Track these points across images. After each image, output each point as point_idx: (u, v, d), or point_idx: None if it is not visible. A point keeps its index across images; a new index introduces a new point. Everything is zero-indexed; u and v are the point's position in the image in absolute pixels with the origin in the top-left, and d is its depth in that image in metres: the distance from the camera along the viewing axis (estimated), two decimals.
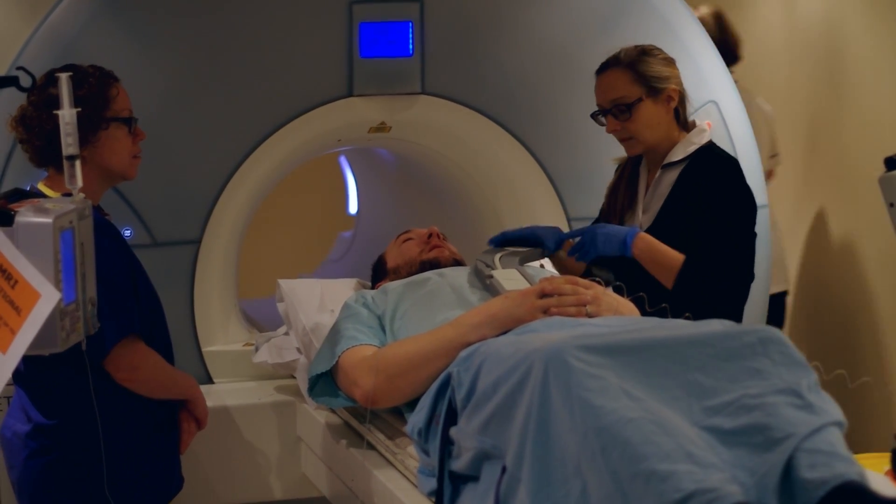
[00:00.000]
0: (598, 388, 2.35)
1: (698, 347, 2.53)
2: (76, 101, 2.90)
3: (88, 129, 3.34)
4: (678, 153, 3.76)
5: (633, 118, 3.76)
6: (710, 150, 3.78)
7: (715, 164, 3.75)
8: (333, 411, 3.79)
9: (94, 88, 3.39)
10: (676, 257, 3.63)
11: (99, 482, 3.31)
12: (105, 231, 3.32)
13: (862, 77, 6.23)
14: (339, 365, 3.31)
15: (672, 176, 3.76)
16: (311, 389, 3.46)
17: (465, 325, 3.09)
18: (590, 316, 3.04)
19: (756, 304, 4.70)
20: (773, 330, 2.57)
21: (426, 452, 2.95)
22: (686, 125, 3.83)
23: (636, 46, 3.83)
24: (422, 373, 3.10)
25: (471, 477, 2.71)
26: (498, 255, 3.58)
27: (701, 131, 3.79)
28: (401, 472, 3.21)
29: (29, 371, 3.31)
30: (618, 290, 3.28)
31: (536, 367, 2.44)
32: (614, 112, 3.78)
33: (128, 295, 3.37)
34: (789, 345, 2.54)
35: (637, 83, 3.75)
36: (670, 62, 3.81)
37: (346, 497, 3.53)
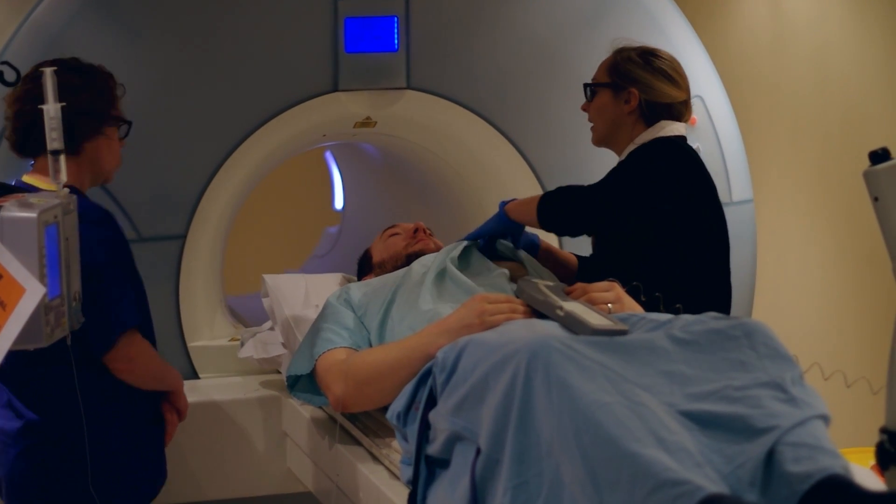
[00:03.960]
0: (577, 369, 2.36)
1: (683, 341, 2.54)
2: (88, 92, 2.93)
3: (97, 122, 3.34)
4: (624, 154, 3.76)
5: (592, 101, 3.83)
6: (650, 142, 3.72)
7: (639, 150, 3.71)
8: (319, 406, 3.79)
9: (102, 84, 3.39)
10: (537, 197, 3.71)
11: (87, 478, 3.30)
12: (108, 223, 3.34)
13: (846, 72, 6.25)
14: (316, 368, 3.33)
15: None
16: (291, 387, 3.47)
17: (427, 335, 3.10)
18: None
19: (741, 301, 4.71)
20: (759, 323, 2.58)
21: (405, 438, 2.96)
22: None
23: (650, 48, 3.83)
24: (387, 381, 3.12)
25: (446, 461, 2.72)
26: (541, 281, 3.31)
27: (658, 128, 3.73)
28: (386, 467, 3.22)
29: (14, 367, 3.29)
30: (634, 291, 3.28)
31: (519, 351, 2.44)
32: (585, 90, 3.86)
33: (131, 286, 3.38)
34: (774, 337, 2.54)
35: (608, 72, 3.79)
36: (658, 72, 3.75)
37: (332, 492, 3.53)
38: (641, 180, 3.61)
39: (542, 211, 3.65)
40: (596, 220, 3.67)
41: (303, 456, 3.91)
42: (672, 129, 3.73)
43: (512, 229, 3.78)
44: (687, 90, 3.80)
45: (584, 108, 3.87)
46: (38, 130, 3.27)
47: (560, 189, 3.70)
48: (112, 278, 3.28)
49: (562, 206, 3.66)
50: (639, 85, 3.73)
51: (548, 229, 3.74)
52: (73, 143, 3.29)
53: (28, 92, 3.33)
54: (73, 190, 3.28)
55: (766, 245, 5.74)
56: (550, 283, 3.19)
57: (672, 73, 3.78)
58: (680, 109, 3.78)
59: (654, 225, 3.60)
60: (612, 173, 3.69)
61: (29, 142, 3.37)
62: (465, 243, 3.65)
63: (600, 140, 3.86)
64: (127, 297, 3.34)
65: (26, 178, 3.37)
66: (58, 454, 3.32)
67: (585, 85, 3.85)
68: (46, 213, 2.47)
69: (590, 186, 3.67)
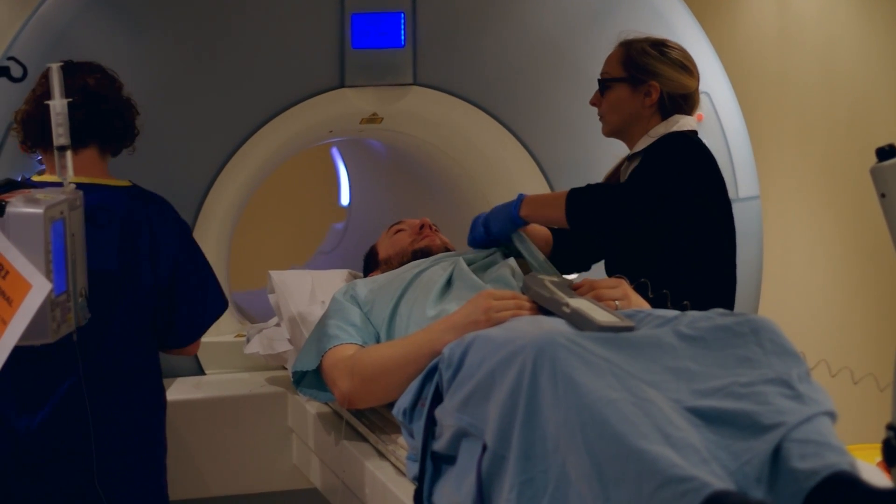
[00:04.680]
0: (584, 365, 2.36)
1: (689, 337, 2.54)
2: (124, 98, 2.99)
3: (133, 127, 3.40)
4: (639, 145, 3.73)
5: (605, 96, 3.78)
6: (668, 136, 3.71)
7: (661, 144, 3.68)
8: (325, 402, 3.79)
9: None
10: (562, 194, 3.65)
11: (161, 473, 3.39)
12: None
13: (853, 68, 6.24)
14: (322, 364, 3.33)
15: (633, 167, 3.74)
16: (297, 382, 3.48)
17: (434, 332, 3.10)
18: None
19: (747, 298, 4.71)
20: (766, 319, 2.57)
21: (411, 435, 2.96)
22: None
23: (657, 38, 3.82)
24: (394, 377, 3.12)
25: (453, 457, 2.72)
26: (547, 277, 3.30)
27: (673, 122, 3.72)
28: (392, 463, 3.22)
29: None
30: (642, 287, 3.27)
31: (525, 348, 2.44)
32: (599, 85, 3.81)
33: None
34: (781, 334, 2.54)
35: (622, 65, 3.75)
36: (676, 63, 3.75)
37: (338, 488, 3.53)
38: (672, 180, 3.58)
39: (572, 208, 3.58)
40: (630, 220, 3.59)
41: (309, 452, 3.91)
42: (685, 122, 3.73)
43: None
44: (699, 78, 3.80)
45: (594, 103, 3.84)
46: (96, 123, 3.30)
47: (590, 187, 3.64)
48: (206, 266, 3.44)
49: (595, 204, 3.59)
50: (659, 78, 3.71)
51: (576, 227, 3.65)
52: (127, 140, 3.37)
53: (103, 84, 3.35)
54: (137, 188, 3.33)
55: (773, 242, 5.74)
56: (556, 279, 3.19)
57: (686, 63, 3.78)
58: (695, 98, 3.79)
59: (671, 222, 3.58)
60: (641, 173, 3.65)
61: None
62: (491, 251, 3.65)
63: (612, 132, 3.83)
64: (216, 282, 3.49)
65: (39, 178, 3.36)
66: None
67: (601, 80, 3.80)
68: (53, 210, 2.47)
69: (622, 185, 3.64)
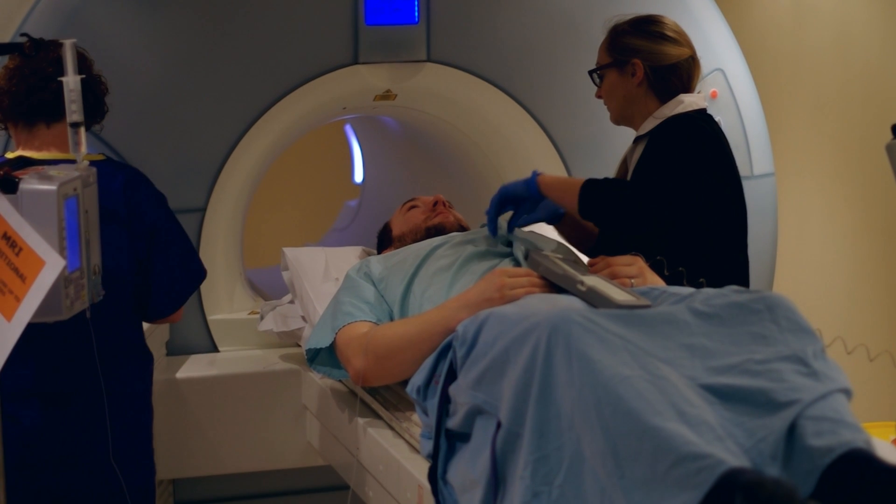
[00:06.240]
0: (598, 342, 2.35)
1: (704, 314, 2.53)
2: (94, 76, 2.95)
3: (103, 104, 3.33)
4: (645, 127, 3.70)
5: (602, 86, 3.78)
6: (675, 118, 3.66)
7: (667, 129, 3.64)
8: (339, 379, 3.79)
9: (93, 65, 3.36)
10: (578, 182, 3.57)
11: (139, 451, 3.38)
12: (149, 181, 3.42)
13: (868, 44, 6.21)
14: (336, 342, 3.34)
15: (640, 150, 3.72)
16: (311, 360, 3.48)
17: (448, 309, 3.10)
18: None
19: (762, 275, 4.70)
20: (781, 296, 2.56)
21: (425, 412, 2.96)
22: (668, 99, 3.72)
23: (642, 16, 3.77)
24: (408, 355, 3.13)
25: (467, 435, 2.72)
26: (554, 255, 3.24)
27: (677, 103, 3.67)
28: (406, 441, 3.22)
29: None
30: (658, 265, 3.25)
31: (540, 325, 2.44)
32: (594, 77, 3.82)
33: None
34: (796, 311, 2.53)
35: (607, 51, 3.75)
36: (654, 35, 3.70)
37: (351, 465, 3.54)
38: (682, 173, 3.52)
39: (585, 202, 3.50)
40: (645, 222, 3.52)
41: (322, 429, 3.92)
42: (691, 102, 3.68)
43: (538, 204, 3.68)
44: (689, 45, 3.74)
45: (598, 95, 3.82)
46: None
47: (606, 183, 3.57)
48: (182, 234, 3.43)
49: (608, 203, 3.51)
50: (640, 54, 3.68)
51: (587, 219, 3.62)
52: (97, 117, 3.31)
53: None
54: (111, 160, 3.30)
55: (787, 219, 5.73)
56: (562, 256, 3.17)
57: (668, 33, 3.72)
58: (687, 68, 3.72)
59: (684, 210, 3.53)
60: (650, 166, 3.59)
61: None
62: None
63: (617, 120, 3.82)
64: (194, 250, 3.51)
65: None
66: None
67: (590, 72, 3.80)
68: (66, 186, 2.47)
69: (635, 187, 3.57)
